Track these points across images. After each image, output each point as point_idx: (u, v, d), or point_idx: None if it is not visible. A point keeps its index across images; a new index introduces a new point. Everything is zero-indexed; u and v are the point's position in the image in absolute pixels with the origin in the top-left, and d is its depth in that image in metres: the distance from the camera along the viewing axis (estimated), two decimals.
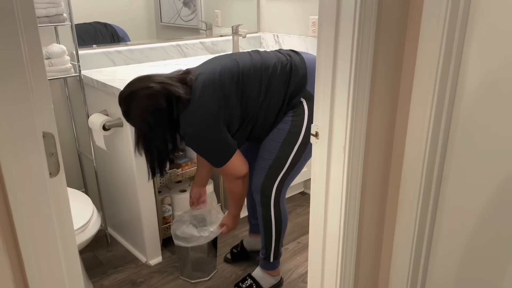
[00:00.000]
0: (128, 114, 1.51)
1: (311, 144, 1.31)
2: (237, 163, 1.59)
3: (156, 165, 1.57)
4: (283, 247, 1.87)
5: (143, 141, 1.52)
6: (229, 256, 2.09)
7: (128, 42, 2.31)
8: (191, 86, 1.49)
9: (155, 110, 1.45)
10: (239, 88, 1.52)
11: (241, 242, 2.11)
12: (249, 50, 1.70)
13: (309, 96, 1.58)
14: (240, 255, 2.08)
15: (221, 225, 1.82)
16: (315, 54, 1.10)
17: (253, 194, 1.72)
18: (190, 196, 1.95)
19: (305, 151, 1.61)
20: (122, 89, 1.53)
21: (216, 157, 1.57)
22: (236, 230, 2.26)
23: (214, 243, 1.91)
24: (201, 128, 1.50)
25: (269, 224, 1.72)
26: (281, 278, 1.91)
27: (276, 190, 1.66)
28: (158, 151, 1.54)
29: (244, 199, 1.76)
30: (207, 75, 1.51)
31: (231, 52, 1.66)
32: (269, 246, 1.78)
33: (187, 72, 1.54)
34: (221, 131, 1.52)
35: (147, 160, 1.56)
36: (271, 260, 1.81)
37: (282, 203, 1.72)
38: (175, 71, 1.59)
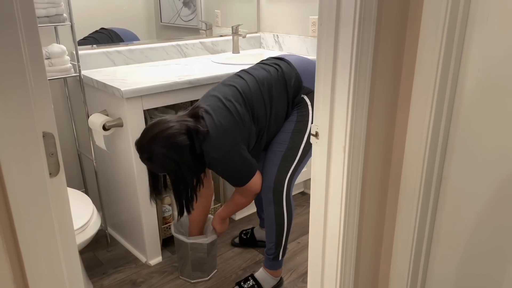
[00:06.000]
0: (151, 158, 1.53)
1: None
2: (257, 181, 1.67)
3: (184, 203, 1.62)
4: None
5: (172, 181, 1.57)
6: (237, 240, 2.19)
7: (128, 42, 2.31)
8: (204, 118, 1.55)
9: (178, 147, 1.50)
10: (248, 108, 1.59)
11: (252, 229, 2.20)
12: (236, 71, 1.75)
13: (308, 91, 1.66)
14: (249, 241, 2.17)
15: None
16: (315, 54, 1.11)
17: (262, 191, 1.71)
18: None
19: None
20: (138, 138, 1.56)
21: (240, 178, 1.65)
22: (241, 223, 2.26)
23: (214, 243, 1.91)
24: (225, 153, 1.55)
25: (282, 220, 1.73)
26: (281, 278, 1.91)
27: (287, 184, 1.70)
28: (185, 188, 1.59)
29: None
30: (215, 105, 1.57)
31: (221, 81, 1.71)
32: (279, 244, 1.78)
33: (195, 107, 1.59)
34: (243, 150, 1.59)
35: (176, 200, 1.62)
36: (280, 258, 1.82)
37: (291, 197, 1.76)
38: (180, 112, 1.63)
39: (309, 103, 1.66)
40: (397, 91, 1.07)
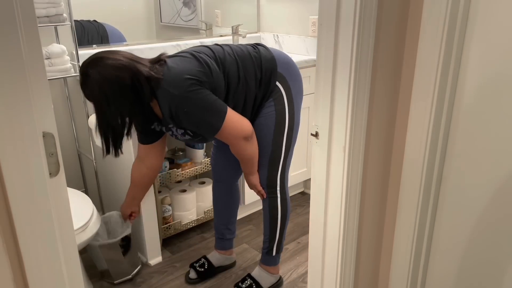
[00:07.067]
0: (86, 80, 1.42)
1: (297, 124, 1.56)
2: (237, 118, 1.53)
3: (110, 144, 1.51)
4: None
5: (96, 114, 1.46)
6: (193, 275, 1.93)
7: (128, 42, 2.31)
8: (166, 62, 1.46)
9: (116, 83, 1.40)
10: (218, 63, 1.52)
11: (205, 258, 1.98)
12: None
13: (282, 79, 1.63)
14: (207, 273, 1.94)
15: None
16: (315, 54, 1.11)
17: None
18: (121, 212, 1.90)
19: (293, 134, 1.68)
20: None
21: (211, 118, 1.49)
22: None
23: (125, 240, 1.86)
24: (186, 90, 1.43)
25: (276, 213, 1.74)
26: (281, 277, 1.91)
27: (280, 178, 1.71)
28: (113, 129, 1.48)
29: (256, 159, 1.66)
30: (181, 54, 1.53)
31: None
32: (273, 238, 1.78)
33: (160, 55, 1.52)
34: (208, 91, 1.47)
35: (100, 136, 1.50)
36: (274, 253, 1.81)
37: (287, 191, 1.76)
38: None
39: (284, 94, 1.61)
40: (397, 91, 1.07)
